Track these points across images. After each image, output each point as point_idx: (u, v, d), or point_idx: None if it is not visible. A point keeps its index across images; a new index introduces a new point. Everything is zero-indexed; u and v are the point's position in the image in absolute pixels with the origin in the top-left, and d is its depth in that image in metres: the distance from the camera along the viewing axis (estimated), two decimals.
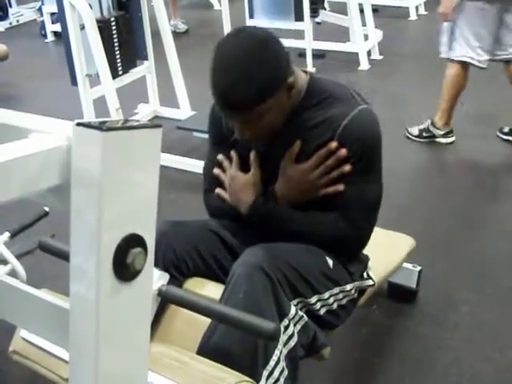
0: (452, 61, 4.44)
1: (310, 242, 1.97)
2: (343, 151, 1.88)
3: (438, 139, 4.54)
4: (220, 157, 2.14)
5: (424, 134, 4.53)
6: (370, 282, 2.17)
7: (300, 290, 1.88)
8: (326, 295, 1.95)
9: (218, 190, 2.14)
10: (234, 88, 1.76)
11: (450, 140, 4.58)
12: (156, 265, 1.80)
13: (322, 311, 1.97)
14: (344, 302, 2.04)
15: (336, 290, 1.99)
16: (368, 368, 2.55)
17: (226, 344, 1.75)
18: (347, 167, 1.90)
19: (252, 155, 2.05)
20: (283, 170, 1.99)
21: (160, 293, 1.50)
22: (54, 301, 1.09)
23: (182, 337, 1.88)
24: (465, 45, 4.31)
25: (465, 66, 4.40)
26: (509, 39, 4.27)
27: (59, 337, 1.07)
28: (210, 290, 1.98)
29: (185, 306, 1.54)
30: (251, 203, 2.01)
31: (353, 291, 2.07)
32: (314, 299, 1.92)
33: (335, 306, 2.00)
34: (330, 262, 1.98)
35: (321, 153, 1.91)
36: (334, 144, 1.88)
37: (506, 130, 4.54)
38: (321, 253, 1.98)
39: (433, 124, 4.56)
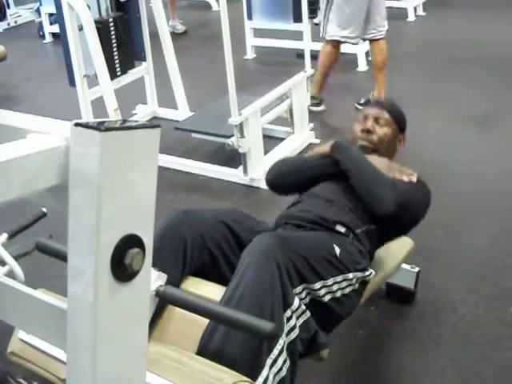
0: (327, 40, 5.08)
1: (369, 177, 2.35)
2: (415, 178, 2.47)
3: (310, 107, 4.94)
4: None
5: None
6: (370, 271, 2.22)
7: (306, 276, 1.95)
8: (330, 281, 2.02)
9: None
10: (391, 102, 2.80)
11: (319, 108, 5.19)
12: (162, 252, 1.90)
13: (327, 298, 2.02)
14: (347, 291, 2.10)
15: (340, 277, 2.06)
16: (366, 368, 2.55)
17: (226, 343, 1.76)
18: (415, 178, 2.46)
19: None
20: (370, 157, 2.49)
21: (158, 293, 1.50)
22: (52, 301, 1.09)
23: (180, 337, 1.88)
24: (336, 25, 4.92)
25: (337, 44, 5.04)
26: (376, 19, 4.91)
27: (57, 337, 1.07)
28: (208, 291, 1.99)
29: (183, 307, 1.53)
30: (334, 141, 2.50)
31: (354, 280, 2.13)
32: (318, 285, 1.98)
33: (339, 293, 2.06)
34: (338, 249, 2.08)
35: (407, 170, 2.50)
36: (416, 173, 2.50)
37: (362, 101, 5.10)
38: (329, 241, 2.11)
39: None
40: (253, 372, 1.71)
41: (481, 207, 3.64)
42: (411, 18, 7.86)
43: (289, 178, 2.56)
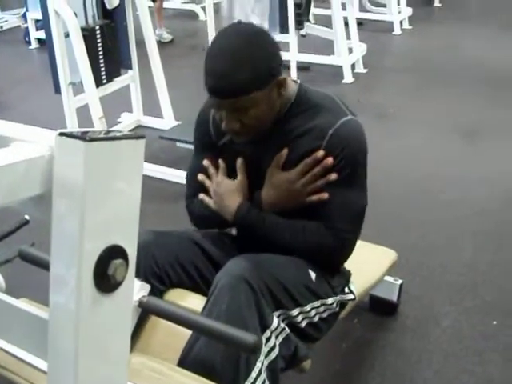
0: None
1: (293, 250, 1.97)
2: (330, 160, 1.89)
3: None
4: (205, 162, 2.11)
5: None
6: (351, 296, 2.17)
7: (282, 302, 1.88)
8: (308, 308, 1.96)
9: (202, 196, 2.11)
10: (228, 73, 1.78)
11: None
12: (137, 275, 1.81)
13: (304, 324, 1.97)
14: (325, 315, 2.04)
15: (317, 303, 1.99)
16: (349, 381, 2.55)
17: (207, 356, 1.75)
18: (333, 176, 1.91)
19: (239, 161, 2.05)
20: (269, 177, 2.00)
21: (141, 304, 1.49)
22: (33, 311, 1.08)
23: (163, 348, 1.87)
24: None
25: None
26: None
27: (38, 347, 1.06)
28: (192, 302, 1.98)
29: (166, 318, 1.52)
30: (236, 209, 2.01)
31: (334, 305, 2.07)
32: (295, 312, 1.93)
33: (316, 318, 2.01)
34: (313, 275, 1.99)
35: (307, 161, 1.91)
36: (320, 153, 1.89)
37: None
38: (304, 265, 1.99)
39: None
40: None
41: (464, 220, 3.66)
42: (397, 31, 7.91)
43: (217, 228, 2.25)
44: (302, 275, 1.97)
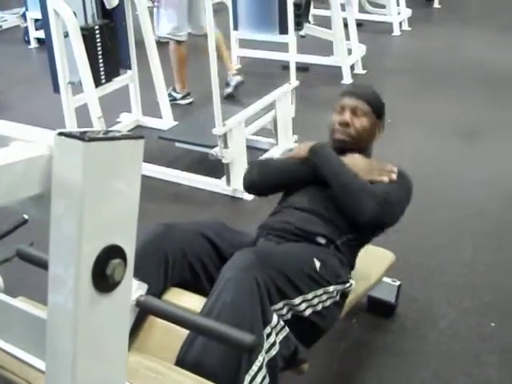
0: (162, 40, 5.66)
1: (350, 187, 2.30)
2: (395, 174, 2.41)
3: (178, 101, 5.62)
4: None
5: (168, 98, 5.30)
6: (351, 282, 2.23)
7: (286, 292, 1.95)
8: (310, 296, 2.02)
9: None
10: (368, 89, 2.63)
11: (188, 101, 5.70)
12: (143, 265, 1.87)
13: (308, 312, 2.02)
14: (328, 303, 2.10)
15: (320, 291, 2.06)
16: (346, 382, 2.55)
17: (205, 355, 1.76)
18: (394, 175, 2.40)
19: None
20: (349, 155, 2.43)
21: (138, 303, 1.49)
22: (32, 310, 1.08)
23: (160, 347, 1.87)
24: (167, 24, 5.37)
25: (178, 41, 5.45)
26: (199, 18, 5.30)
27: (36, 347, 1.06)
28: (189, 302, 1.98)
29: (163, 317, 1.53)
30: (313, 143, 2.43)
31: (335, 293, 2.13)
32: (298, 300, 1.98)
33: (320, 307, 2.07)
34: (318, 263, 2.08)
35: (387, 167, 2.43)
36: (396, 169, 2.43)
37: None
38: (310, 254, 2.12)
39: (174, 89, 5.69)
40: None
41: (464, 221, 3.66)
42: (396, 32, 7.91)
43: (265, 183, 2.52)
44: (306, 264, 2.07)
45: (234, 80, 5.68)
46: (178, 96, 5.70)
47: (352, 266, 2.35)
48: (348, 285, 2.20)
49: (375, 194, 2.27)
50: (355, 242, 2.35)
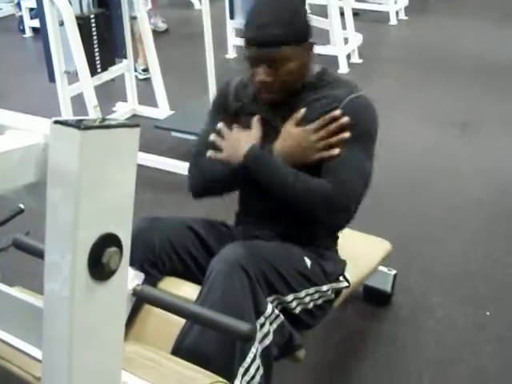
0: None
1: (297, 200, 1.98)
2: (346, 118, 1.96)
3: (136, 73, 5.67)
4: (220, 125, 2.11)
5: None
6: (345, 284, 2.19)
7: (277, 287, 1.90)
8: (302, 294, 1.98)
9: (211, 152, 2.10)
10: (272, 23, 1.90)
11: (146, 76, 5.80)
12: (132, 262, 1.82)
13: (298, 310, 1.99)
14: (320, 302, 2.06)
15: (312, 289, 2.01)
16: (342, 370, 2.55)
17: (201, 344, 1.76)
18: (346, 134, 1.96)
19: (255, 118, 2.07)
20: (285, 130, 2.03)
21: (135, 292, 1.49)
22: (28, 299, 1.08)
23: (157, 336, 1.88)
24: None
25: None
26: None
27: (32, 335, 1.06)
28: (185, 290, 1.99)
29: (159, 306, 1.53)
30: (248, 149, 2.01)
31: (329, 292, 2.09)
32: (290, 297, 1.95)
33: (311, 305, 2.03)
34: (308, 261, 2.02)
35: (325, 117, 1.98)
36: (338, 111, 1.97)
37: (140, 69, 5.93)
38: (300, 252, 2.03)
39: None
40: (226, 375, 1.71)
41: (459, 211, 3.67)
42: (393, 21, 7.89)
43: (212, 194, 2.26)
44: (297, 261, 2.00)
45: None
46: (140, 68, 6.02)
47: (335, 246, 2.22)
48: (344, 285, 2.17)
49: (328, 198, 1.95)
50: (328, 232, 2.21)
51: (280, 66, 1.93)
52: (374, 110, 2.05)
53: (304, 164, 2.00)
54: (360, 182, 2.00)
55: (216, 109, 2.21)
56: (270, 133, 2.05)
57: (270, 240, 2.08)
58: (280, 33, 1.89)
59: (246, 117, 2.10)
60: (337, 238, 2.24)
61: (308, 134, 1.99)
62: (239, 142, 2.05)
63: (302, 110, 2.01)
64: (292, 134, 2.01)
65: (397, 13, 8.00)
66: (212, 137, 2.11)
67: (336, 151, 1.96)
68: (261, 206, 2.14)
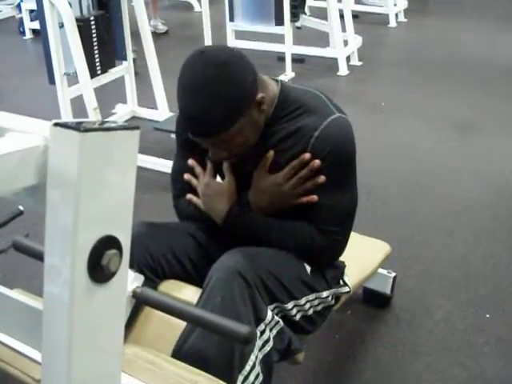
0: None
1: (284, 249, 1.96)
2: (317, 162, 1.86)
3: None
4: (191, 162, 2.08)
5: None
6: (346, 289, 2.18)
7: (277, 295, 1.89)
8: (303, 301, 1.96)
9: (190, 196, 2.09)
10: (201, 116, 1.74)
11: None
12: (131, 267, 1.80)
13: (298, 316, 1.98)
14: (319, 308, 2.05)
15: (312, 296, 2.00)
16: (341, 373, 2.55)
17: (201, 348, 1.75)
18: (321, 178, 1.88)
19: (225, 165, 2.03)
20: (257, 181, 1.97)
21: (135, 295, 1.49)
22: (27, 301, 1.08)
23: (157, 339, 1.87)
24: None
25: None
26: None
27: (32, 338, 1.06)
28: (186, 293, 1.98)
29: (159, 309, 1.53)
30: (226, 212, 1.99)
31: (329, 298, 2.08)
32: (290, 305, 1.93)
33: (311, 311, 2.01)
34: (308, 268, 2.00)
35: (294, 164, 1.89)
36: (307, 155, 1.87)
37: None
38: (299, 259, 2.00)
39: None
40: (227, 378, 1.71)
41: (458, 213, 3.67)
42: (392, 24, 7.90)
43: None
44: (297, 268, 1.98)
45: None
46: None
47: (337, 264, 2.19)
48: (345, 290, 2.16)
49: (319, 248, 1.96)
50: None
51: (229, 143, 1.82)
52: (346, 138, 1.90)
53: (284, 211, 1.98)
54: (345, 223, 1.98)
55: (181, 143, 2.15)
56: (244, 178, 2.00)
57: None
58: (214, 122, 1.75)
59: (215, 164, 2.06)
60: None
61: (280, 182, 1.92)
62: (216, 199, 2.02)
63: (270, 154, 1.92)
64: (265, 186, 1.95)
65: (396, 15, 8.00)
66: (186, 176, 2.10)
67: (315, 198, 1.90)
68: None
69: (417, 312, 2.85)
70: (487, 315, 2.81)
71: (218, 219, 2.02)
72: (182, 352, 1.77)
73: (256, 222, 1.99)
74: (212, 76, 1.72)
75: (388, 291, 2.84)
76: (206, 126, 1.76)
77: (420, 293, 2.97)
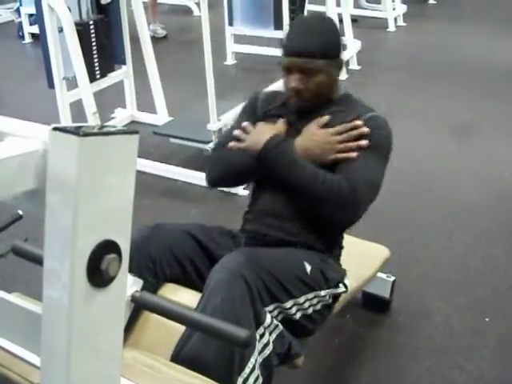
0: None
1: (310, 190, 2.04)
2: (366, 129, 2.09)
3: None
4: (246, 123, 2.20)
5: None
6: (343, 289, 2.19)
7: (277, 295, 1.91)
8: (302, 300, 1.99)
9: (233, 143, 2.19)
10: (307, 37, 2.11)
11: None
12: (132, 270, 1.82)
13: (298, 315, 2.00)
14: (319, 307, 2.07)
15: (311, 294, 2.02)
16: (341, 377, 2.55)
17: (200, 351, 1.75)
18: (364, 142, 2.08)
19: (281, 119, 2.19)
20: (307, 129, 2.15)
21: (134, 299, 1.49)
22: (26, 305, 1.08)
23: (155, 343, 1.87)
24: None
25: None
26: None
27: (31, 342, 1.06)
28: (185, 297, 1.98)
29: (158, 313, 1.53)
30: (266, 140, 2.08)
31: (327, 297, 2.10)
32: (289, 303, 1.95)
33: (310, 310, 2.04)
34: (308, 267, 2.03)
35: (347, 125, 2.11)
36: (360, 122, 2.11)
37: None
38: (300, 258, 2.05)
39: None
40: (226, 382, 1.71)
41: (457, 216, 3.67)
42: (391, 28, 7.91)
43: (228, 182, 2.53)
44: (296, 267, 2.01)
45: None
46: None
47: (339, 255, 2.27)
48: (341, 290, 2.16)
49: (342, 196, 2.02)
50: (332, 235, 2.24)
51: (312, 76, 2.10)
52: (390, 130, 2.16)
53: (320, 163, 2.08)
54: (371, 188, 2.09)
55: (244, 111, 2.36)
56: (293, 135, 2.14)
57: (274, 244, 2.11)
58: (316, 46, 2.09)
59: (272, 119, 2.21)
60: (342, 247, 2.29)
61: (329, 135, 2.11)
62: (262, 132, 2.13)
63: (326, 117, 2.15)
64: (313, 133, 2.13)
65: (395, 19, 8.01)
66: (236, 132, 2.21)
67: (353, 154, 2.07)
68: (271, 203, 2.18)
69: (416, 316, 2.85)
70: (486, 318, 2.81)
71: (260, 145, 2.08)
72: (181, 356, 1.78)
73: (291, 156, 2.08)
74: (323, 22, 2.19)
75: (387, 295, 2.84)
76: (309, 45, 2.09)
77: (419, 296, 2.98)
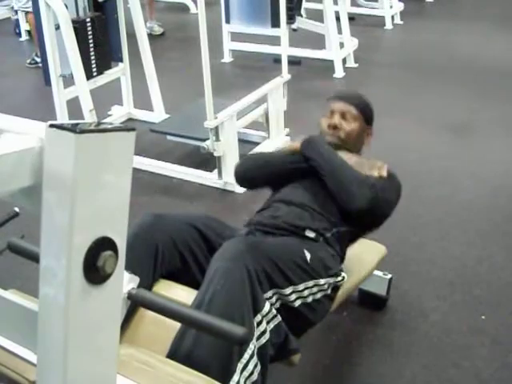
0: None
1: (347, 175, 2.33)
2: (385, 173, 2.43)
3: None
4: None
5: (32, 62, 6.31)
6: (341, 278, 2.23)
7: (276, 281, 1.95)
8: (301, 287, 2.03)
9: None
10: (353, 94, 2.66)
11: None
12: (134, 256, 1.87)
13: (297, 303, 2.03)
14: (318, 296, 2.11)
15: (311, 282, 2.06)
16: (337, 374, 2.55)
17: (197, 348, 1.76)
18: (384, 172, 2.42)
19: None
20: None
21: (130, 296, 1.49)
22: (23, 302, 1.08)
23: (152, 340, 1.88)
24: None
25: None
26: None
27: (27, 339, 1.06)
28: (180, 294, 1.99)
29: (154, 310, 1.53)
30: (309, 135, 2.48)
31: (326, 286, 2.14)
32: (288, 290, 1.99)
33: (310, 299, 2.07)
34: (308, 255, 2.08)
35: (378, 164, 2.45)
36: (386, 166, 2.46)
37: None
38: (300, 246, 2.12)
39: (36, 55, 6.08)
40: (224, 376, 1.72)
41: (453, 215, 3.67)
42: (389, 26, 7.90)
43: (257, 174, 2.56)
44: (296, 255, 2.07)
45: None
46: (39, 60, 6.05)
47: (342, 259, 2.35)
48: (340, 278, 2.20)
49: (367, 182, 2.31)
50: (346, 234, 2.35)
51: (347, 121, 2.51)
52: (401, 186, 2.51)
53: None
54: (389, 203, 2.42)
55: None
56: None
57: (281, 230, 2.23)
58: (358, 101, 2.57)
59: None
60: (344, 257, 2.38)
61: (363, 159, 2.49)
62: (299, 138, 2.50)
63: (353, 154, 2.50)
64: (350, 154, 2.47)
65: (392, 17, 8.01)
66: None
67: (376, 173, 2.40)
68: (300, 195, 2.37)
69: (412, 314, 2.85)
70: (482, 316, 2.82)
71: (297, 146, 2.46)
72: (178, 353, 1.79)
73: (327, 148, 2.43)
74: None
75: (384, 293, 2.84)
76: (356, 99, 2.59)
77: (415, 294, 2.98)
